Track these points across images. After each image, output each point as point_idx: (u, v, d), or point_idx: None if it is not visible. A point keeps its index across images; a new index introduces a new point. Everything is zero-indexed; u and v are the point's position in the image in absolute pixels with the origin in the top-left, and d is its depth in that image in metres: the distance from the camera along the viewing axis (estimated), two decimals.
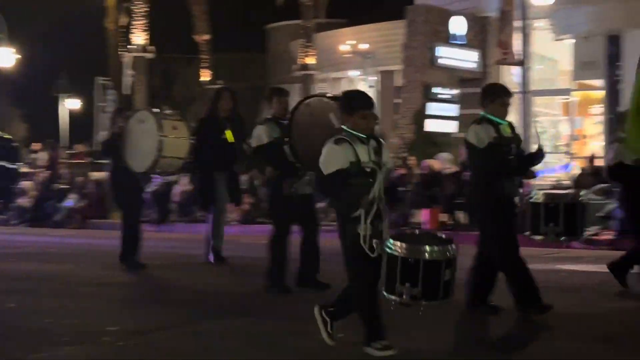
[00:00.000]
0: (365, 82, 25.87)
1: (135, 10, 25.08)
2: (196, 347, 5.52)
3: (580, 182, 15.54)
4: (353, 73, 27.34)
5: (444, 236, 5.11)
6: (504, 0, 19.53)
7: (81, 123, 29.00)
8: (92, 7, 25.90)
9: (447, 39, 21.26)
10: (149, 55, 25.46)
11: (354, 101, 5.18)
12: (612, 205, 14.20)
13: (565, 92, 21.05)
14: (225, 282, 8.41)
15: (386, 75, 25.11)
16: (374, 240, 4.89)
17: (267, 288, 7.34)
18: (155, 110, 8.95)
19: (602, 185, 15.10)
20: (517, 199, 6.53)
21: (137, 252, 9.08)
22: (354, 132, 5.06)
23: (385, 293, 4.84)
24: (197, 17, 29.39)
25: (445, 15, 21.34)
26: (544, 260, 9.87)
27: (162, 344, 5.59)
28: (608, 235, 13.83)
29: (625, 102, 19.25)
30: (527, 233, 6.68)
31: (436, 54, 21.04)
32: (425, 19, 21.17)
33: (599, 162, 17.43)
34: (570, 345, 5.44)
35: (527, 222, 6.66)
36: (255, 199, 18.27)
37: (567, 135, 22.33)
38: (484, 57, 21.79)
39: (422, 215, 15.47)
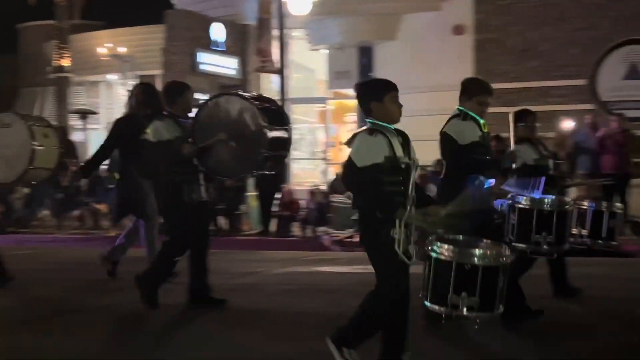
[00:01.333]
0: (124, 87, 25.25)
1: None
2: None
3: (334, 187, 16.15)
4: (111, 77, 26.61)
5: (488, 241, 4.60)
6: (262, 9, 19.86)
7: None
8: None
9: (208, 45, 21.27)
10: None
11: (380, 85, 4.58)
12: None
13: (322, 100, 21.80)
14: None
15: (146, 80, 24.64)
16: (411, 245, 4.34)
17: (143, 296, 6.63)
18: (23, 113, 7.81)
19: None
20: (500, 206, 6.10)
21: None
22: (384, 124, 4.47)
23: (430, 304, 4.30)
24: None
25: (205, 22, 21.32)
26: (302, 262, 10.14)
27: None
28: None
29: None
30: (508, 240, 6.07)
31: (197, 59, 20.98)
32: (186, 24, 21.04)
33: None
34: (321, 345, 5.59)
35: (508, 229, 6.07)
36: (4, 206, 17.22)
37: (323, 142, 23.15)
38: (243, 64, 22.03)
39: None
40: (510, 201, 6.11)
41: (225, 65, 21.86)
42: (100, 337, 5.98)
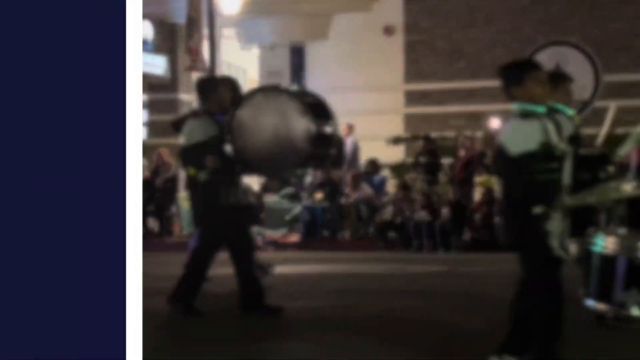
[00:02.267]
0: None
1: None
2: None
3: (267, 186, 16.12)
4: None
5: None
6: (191, 7, 19.66)
7: None
8: None
9: None
10: None
11: (518, 66, 4.25)
12: (298, 209, 14.90)
13: None
14: None
15: None
16: (568, 240, 4.01)
17: (173, 302, 6.36)
18: None
19: (289, 190, 15.81)
20: None
21: None
22: (534, 107, 4.10)
23: (594, 302, 3.96)
24: None
25: None
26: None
27: None
28: (295, 238, 14.49)
29: None
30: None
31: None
32: None
33: None
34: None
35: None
36: None
37: None
38: (173, 63, 21.81)
39: None
40: None
41: (153, 63, 21.60)
42: None
